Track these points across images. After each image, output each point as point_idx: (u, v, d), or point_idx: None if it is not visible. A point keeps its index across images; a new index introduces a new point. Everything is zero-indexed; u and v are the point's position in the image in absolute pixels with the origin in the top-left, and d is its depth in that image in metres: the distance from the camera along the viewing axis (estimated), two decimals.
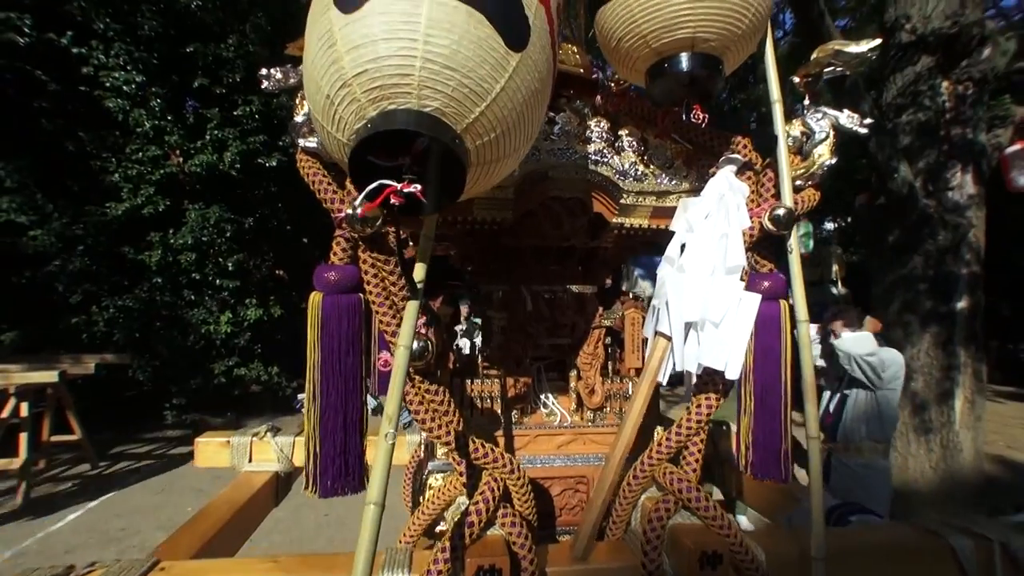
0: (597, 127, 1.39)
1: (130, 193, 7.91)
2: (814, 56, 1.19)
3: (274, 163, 8.25)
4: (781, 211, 1.12)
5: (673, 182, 1.39)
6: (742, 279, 1.16)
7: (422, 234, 1.03)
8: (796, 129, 1.21)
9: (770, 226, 1.14)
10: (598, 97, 1.46)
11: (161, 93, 7.66)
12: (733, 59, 1.15)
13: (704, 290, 1.15)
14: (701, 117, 1.21)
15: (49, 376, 5.77)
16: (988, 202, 5.29)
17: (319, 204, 1.18)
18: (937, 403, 5.28)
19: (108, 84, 7.52)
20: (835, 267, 9.42)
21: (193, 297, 8.63)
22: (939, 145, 5.20)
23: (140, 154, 7.87)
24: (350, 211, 0.99)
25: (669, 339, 1.19)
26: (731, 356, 1.11)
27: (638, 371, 1.55)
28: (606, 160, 1.36)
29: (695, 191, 1.34)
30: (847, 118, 1.18)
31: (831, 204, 10.57)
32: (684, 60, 1.11)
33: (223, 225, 8.08)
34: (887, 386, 3.45)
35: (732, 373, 1.11)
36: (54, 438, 6.46)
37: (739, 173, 1.26)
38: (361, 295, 1.09)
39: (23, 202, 7.52)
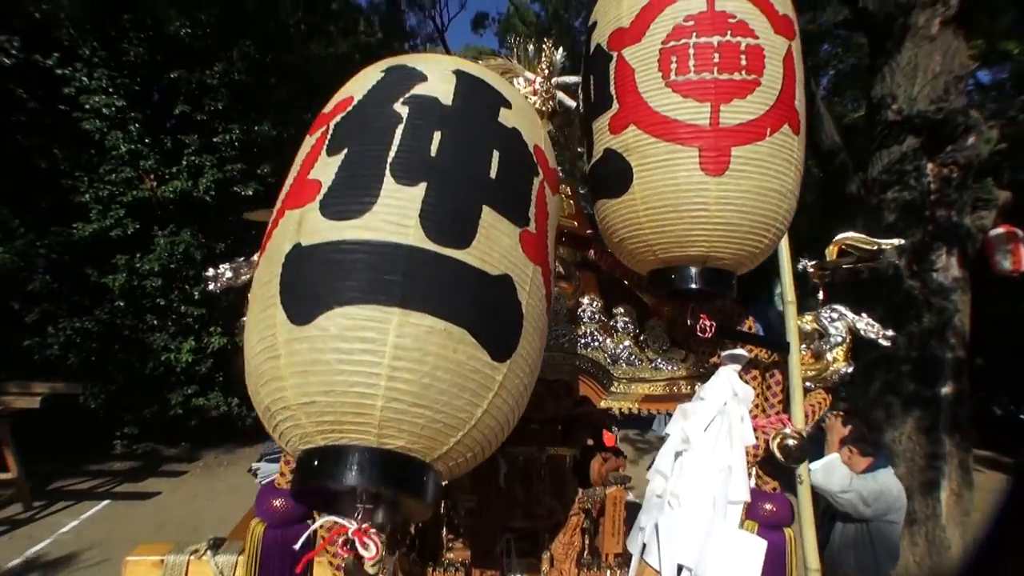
0: (590, 306, 1.26)
1: (99, 214, 7.71)
2: (829, 249, 1.04)
3: (250, 192, 8.10)
4: (792, 441, 0.97)
5: (670, 367, 1.25)
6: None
7: None
8: (809, 325, 1.06)
9: (779, 455, 0.99)
10: (591, 251, 1.34)
11: (140, 118, 7.53)
12: (748, 267, 1.05)
13: (701, 532, 0.94)
14: (708, 327, 1.02)
15: None
16: (973, 285, 5.15)
17: None
18: (921, 493, 5.01)
19: (88, 106, 7.42)
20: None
21: (156, 322, 8.33)
22: (924, 225, 5.08)
23: (113, 175, 7.70)
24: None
25: (658, 572, 0.99)
26: None
27: (617, 556, 1.39)
28: (597, 344, 1.24)
29: (694, 377, 1.21)
30: (866, 325, 1.04)
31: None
32: (693, 275, 1.01)
33: (192, 252, 7.85)
34: (881, 519, 2.99)
35: None
36: None
37: (744, 371, 1.11)
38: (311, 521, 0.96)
39: None
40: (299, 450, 0.67)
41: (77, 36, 7.55)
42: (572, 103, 1.43)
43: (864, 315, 1.13)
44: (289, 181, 0.81)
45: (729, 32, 0.97)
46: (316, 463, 0.63)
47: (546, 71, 1.58)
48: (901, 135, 5.13)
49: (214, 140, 7.86)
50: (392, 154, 0.72)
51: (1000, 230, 5.26)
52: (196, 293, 8.15)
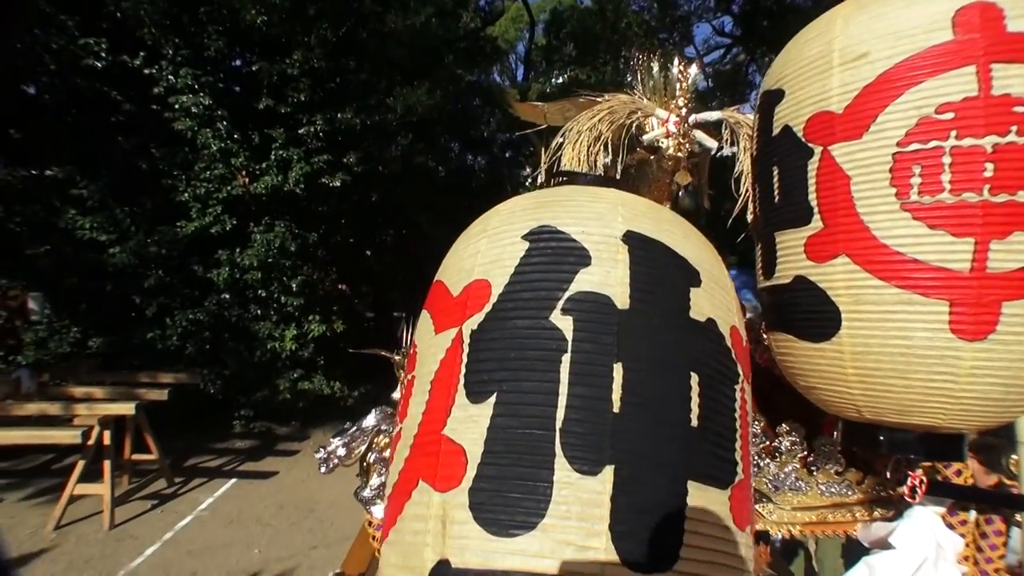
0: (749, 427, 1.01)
1: (199, 212, 8.07)
2: None
3: (337, 183, 8.14)
4: None
5: (843, 491, 1.03)
6: None
7: None
8: None
9: None
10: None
11: (227, 115, 7.64)
12: None
13: None
14: (919, 485, 0.80)
15: (127, 408, 6.09)
16: None
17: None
18: None
19: (177, 105, 7.61)
20: None
21: (259, 312, 8.80)
22: None
23: (208, 173, 7.98)
24: None
25: None
26: None
27: None
28: (756, 469, 1.06)
29: (870, 502, 1.00)
30: None
31: None
32: (914, 442, 0.77)
33: (287, 244, 8.10)
34: None
35: None
36: (134, 456, 6.87)
37: (950, 513, 0.87)
38: None
39: (104, 220, 7.80)
40: None
41: (158, 34, 7.63)
42: (712, 144, 1.25)
43: None
44: (416, 411, 0.62)
45: (1014, 129, 0.66)
46: None
47: (683, 109, 1.27)
48: None
49: (299, 132, 7.89)
50: (561, 414, 0.53)
51: None
52: (294, 285, 8.46)
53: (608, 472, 0.52)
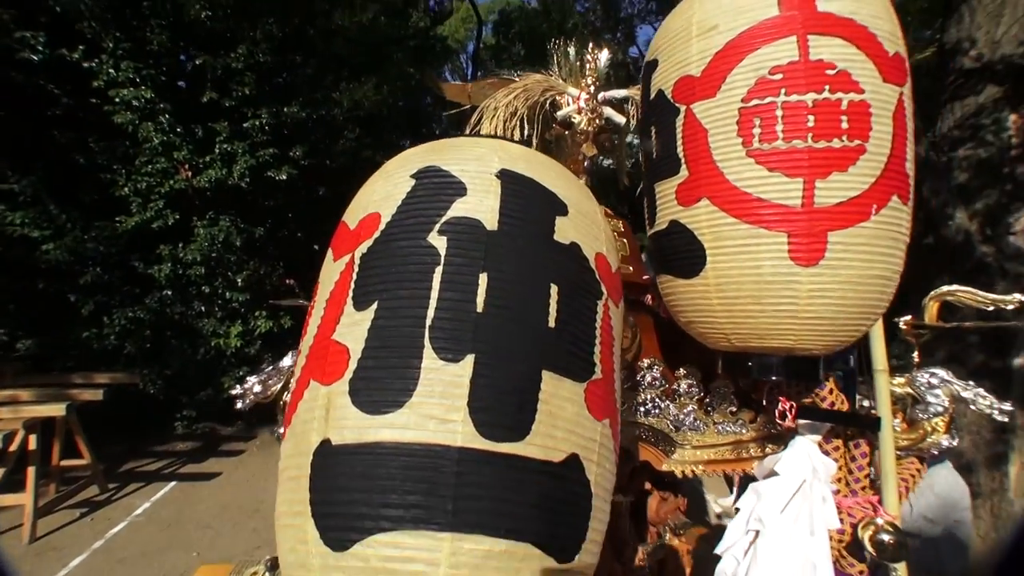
0: (650, 371, 1.16)
1: (140, 206, 7.84)
2: (927, 303, 0.89)
3: (284, 176, 8.07)
4: (888, 537, 0.84)
5: (736, 429, 1.15)
6: None
7: None
8: (902, 389, 0.92)
9: (870, 550, 0.86)
10: (648, 297, 1.26)
11: (169, 108, 7.51)
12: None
13: None
14: (789, 410, 0.91)
15: (57, 409, 5.75)
16: None
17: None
18: (987, 466, 4.85)
19: (118, 99, 7.41)
20: None
21: (203, 308, 8.58)
22: (1001, 184, 4.68)
23: (149, 167, 7.77)
24: None
25: None
26: None
27: None
28: (659, 411, 1.15)
29: (765, 439, 1.11)
30: (975, 395, 0.88)
31: None
32: (775, 365, 0.90)
33: (232, 239, 7.96)
34: (948, 525, 2.78)
35: None
36: (64, 462, 6.44)
37: (825, 440, 1.01)
38: None
39: (37, 216, 7.50)
40: None
41: (99, 28, 7.46)
42: (621, 119, 1.32)
43: (971, 383, 0.99)
44: (310, 334, 0.70)
45: (827, 87, 0.80)
46: None
47: (592, 86, 1.40)
48: (979, 84, 4.68)
49: (244, 126, 7.79)
50: (431, 314, 0.62)
51: None
52: (239, 279, 8.30)
53: (469, 360, 0.60)
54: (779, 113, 0.81)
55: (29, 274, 7.82)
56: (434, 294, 0.63)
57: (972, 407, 0.92)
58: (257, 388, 1.04)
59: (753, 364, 0.91)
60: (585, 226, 0.77)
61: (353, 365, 0.62)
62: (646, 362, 1.17)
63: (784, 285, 0.80)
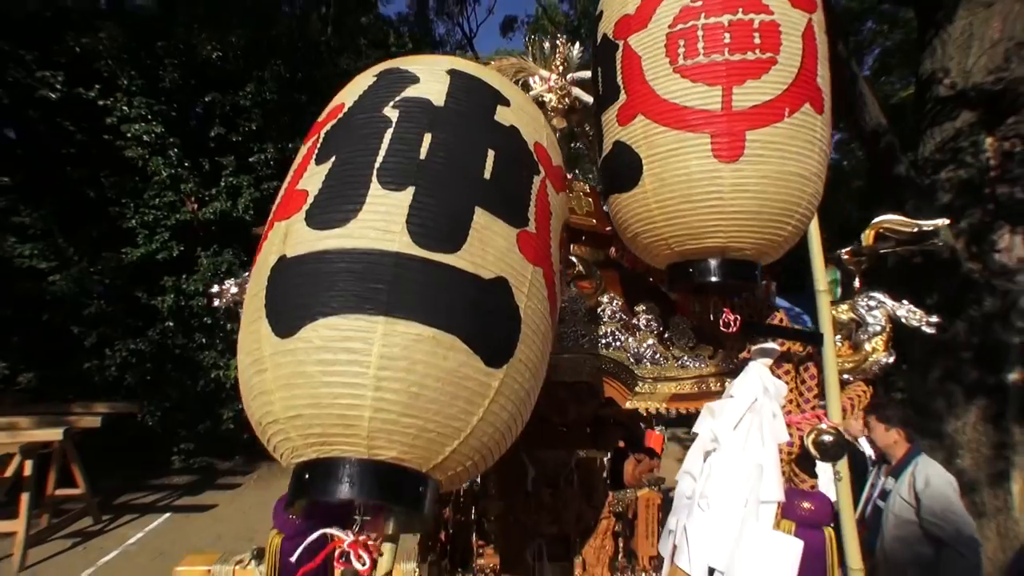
0: (610, 305, 1.22)
1: (146, 238, 8.03)
2: (865, 234, 0.97)
3: None
4: (829, 438, 0.90)
5: (697, 364, 1.20)
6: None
7: None
8: (845, 314, 0.99)
9: (814, 452, 0.92)
10: (612, 249, 1.30)
11: (178, 143, 7.78)
12: (773, 257, 0.98)
13: (732, 534, 0.90)
14: (733, 321, 0.97)
15: (54, 434, 5.70)
16: None
17: None
18: (990, 484, 4.79)
19: (129, 134, 7.70)
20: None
21: (204, 340, 8.61)
22: (983, 204, 4.83)
23: (157, 200, 8.01)
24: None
25: None
26: None
27: (653, 559, 1.37)
28: (619, 343, 1.20)
29: (722, 373, 1.16)
30: (907, 312, 0.96)
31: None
32: (712, 268, 0.94)
33: (235, 270, 8.08)
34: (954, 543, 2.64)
35: None
36: (58, 491, 6.36)
37: (775, 364, 1.03)
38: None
39: (45, 248, 7.67)
40: (291, 464, 0.66)
41: (115, 67, 7.83)
42: (589, 99, 1.39)
43: (905, 302, 1.05)
44: (281, 192, 0.80)
45: (740, 10, 0.92)
46: (307, 476, 0.62)
47: (560, 67, 1.53)
48: (954, 111, 4.89)
49: (250, 160, 8.06)
50: (380, 159, 0.70)
51: None
52: (240, 310, 8.37)
53: (411, 190, 0.67)
54: (700, 33, 0.93)
55: (34, 306, 7.91)
56: (384, 147, 0.72)
57: (905, 322, 0.99)
58: (234, 290, 1.13)
59: (694, 269, 0.97)
60: (527, 120, 0.87)
61: (310, 200, 0.71)
62: (605, 297, 1.23)
63: (710, 181, 0.89)
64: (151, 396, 8.42)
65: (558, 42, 1.56)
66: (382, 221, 0.65)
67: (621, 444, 1.58)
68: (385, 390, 0.58)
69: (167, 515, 7.10)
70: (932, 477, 2.81)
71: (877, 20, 9.86)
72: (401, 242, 0.63)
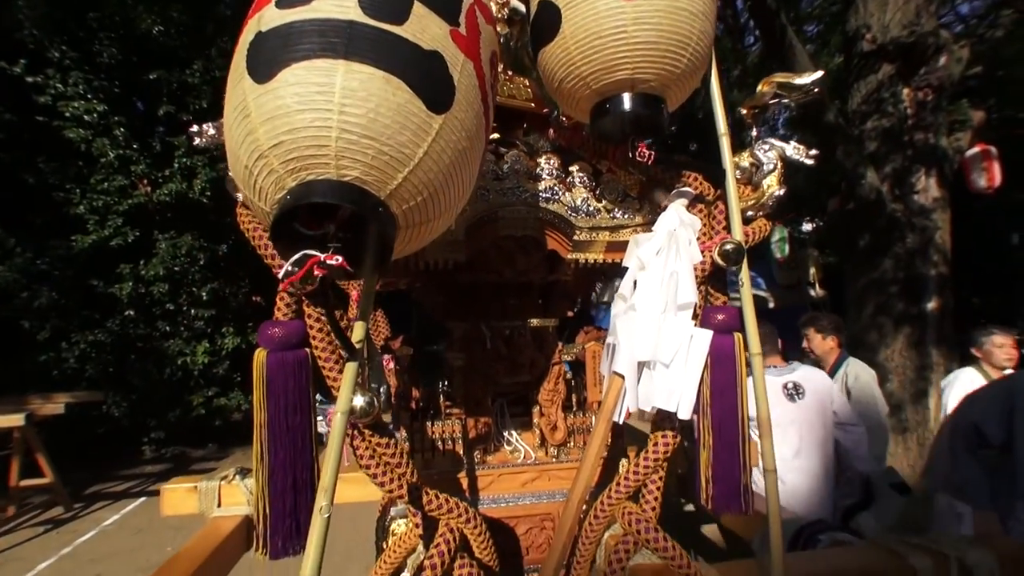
0: (547, 164, 1.38)
1: (97, 225, 7.72)
2: (759, 89, 1.19)
3: None
4: (730, 246, 1.12)
5: (626, 216, 1.39)
6: (696, 315, 1.14)
7: (361, 291, 0.99)
8: (745, 160, 1.21)
9: (720, 261, 1.14)
10: (551, 131, 1.45)
11: (125, 122, 7.50)
12: (676, 96, 1.15)
13: (655, 329, 1.13)
14: (647, 155, 1.19)
15: (15, 420, 5.56)
16: (952, 204, 5.42)
17: None
18: (912, 402, 5.35)
19: (68, 114, 7.33)
20: (812, 270, 9.54)
21: (168, 328, 8.41)
22: (903, 150, 5.32)
23: (106, 184, 7.69)
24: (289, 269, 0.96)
25: (623, 378, 1.17)
26: (683, 396, 1.09)
27: (597, 403, 1.53)
28: (557, 197, 1.36)
29: (649, 224, 1.33)
30: (793, 150, 1.19)
31: (807, 205, 10.72)
32: (625, 101, 1.10)
33: (195, 254, 7.92)
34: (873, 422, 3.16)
35: (684, 413, 1.09)
36: (24, 482, 6.17)
37: (691, 206, 1.25)
38: (308, 350, 1.06)
39: None
40: (276, 200, 0.77)
41: (42, 37, 7.33)
42: (522, 8, 1.45)
43: (792, 142, 1.21)
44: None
45: None
46: (288, 197, 0.75)
47: None
48: (876, 64, 5.33)
49: None
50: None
51: (976, 150, 5.52)
52: (204, 295, 8.22)
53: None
54: None
55: None
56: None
57: (792, 158, 1.21)
58: (212, 132, 1.18)
59: (610, 104, 1.10)
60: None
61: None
62: (543, 159, 1.39)
63: (615, 16, 1.02)
64: (115, 388, 8.19)
65: None
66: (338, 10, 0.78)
67: (570, 313, 1.79)
68: (348, 114, 0.73)
69: (142, 499, 7.03)
70: (860, 373, 3.33)
71: None
72: (355, 13, 0.77)
